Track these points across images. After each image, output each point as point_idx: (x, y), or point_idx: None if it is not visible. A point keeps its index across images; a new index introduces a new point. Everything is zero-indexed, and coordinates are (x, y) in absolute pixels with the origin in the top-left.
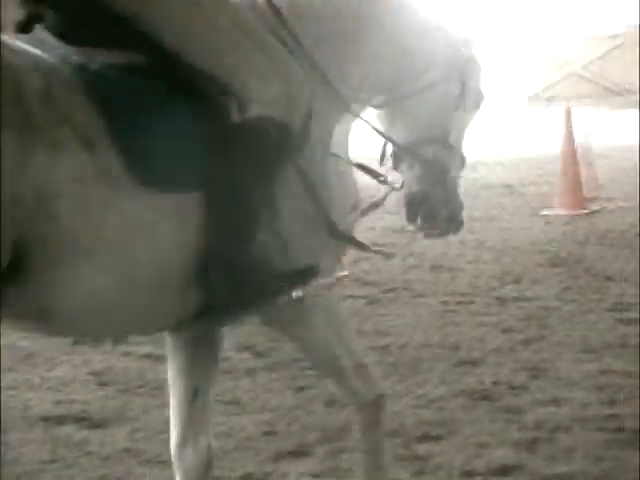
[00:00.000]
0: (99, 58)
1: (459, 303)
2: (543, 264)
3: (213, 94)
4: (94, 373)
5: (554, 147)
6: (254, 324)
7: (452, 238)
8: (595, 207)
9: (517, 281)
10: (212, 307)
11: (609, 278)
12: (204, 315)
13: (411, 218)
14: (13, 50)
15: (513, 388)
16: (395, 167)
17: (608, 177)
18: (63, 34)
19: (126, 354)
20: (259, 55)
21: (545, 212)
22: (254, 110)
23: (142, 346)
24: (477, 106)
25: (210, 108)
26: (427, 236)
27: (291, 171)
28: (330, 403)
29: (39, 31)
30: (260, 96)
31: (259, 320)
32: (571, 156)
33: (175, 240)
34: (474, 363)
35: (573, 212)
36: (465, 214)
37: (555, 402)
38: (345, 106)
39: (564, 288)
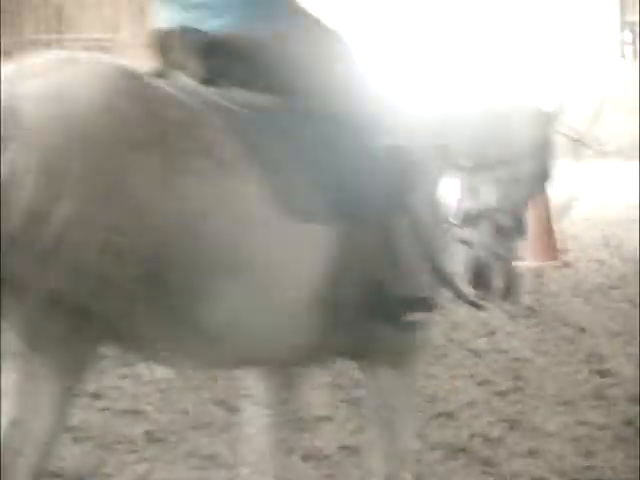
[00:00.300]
0: (241, 98)
1: (434, 356)
2: (516, 316)
3: (346, 129)
4: (70, 428)
5: None
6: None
7: None
8: (568, 258)
9: (491, 333)
10: (340, 327)
11: (583, 329)
12: (330, 339)
13: (474, 282)
14: (160, 87)
15: (489, 440)
16: (463, 229)
17: (580, 228)
18: (206, 80)
19: (102, 409)
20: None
21: (518, 264)
22: (385, 141)
23: (119, 401)
24: (545, 187)
25: (344, 142)
26: (475, 302)
27: (414, 201)
28: (307, 458)
29: (183, 78)
30: (391, 126)
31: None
32: (543, 207)
33: (308, 265)
34: (450, 415)
35: (545, 263)
36: None
37: (532, 454)
38: (452, 161)
39: (538, 340)
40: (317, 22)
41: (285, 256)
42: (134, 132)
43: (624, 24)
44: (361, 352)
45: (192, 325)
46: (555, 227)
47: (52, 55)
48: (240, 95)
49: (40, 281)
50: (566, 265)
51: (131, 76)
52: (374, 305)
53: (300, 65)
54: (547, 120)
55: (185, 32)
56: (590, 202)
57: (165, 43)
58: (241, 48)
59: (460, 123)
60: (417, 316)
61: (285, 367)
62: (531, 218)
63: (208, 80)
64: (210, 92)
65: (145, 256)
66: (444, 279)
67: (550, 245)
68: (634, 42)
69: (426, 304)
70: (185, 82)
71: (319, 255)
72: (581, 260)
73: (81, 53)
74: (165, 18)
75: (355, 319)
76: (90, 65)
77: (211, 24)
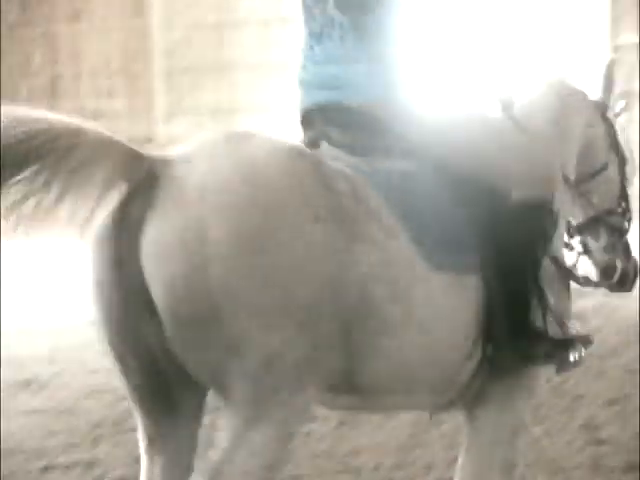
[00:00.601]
0: (383, 165)
1: (431, 424)
2: None
3: (482, 186)
4: None
5: None
6: None
7: None
8: None
9: None
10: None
11: (577, 398)
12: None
13: (609, 285)
14: (326, 162)
15: None
16: (580, 238)
17: (574, 295)
18: (345, 147)
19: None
20: (515, 142)
21: None
22: (519, 193)
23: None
24: (633, 173)
25: (481, 199)
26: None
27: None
28: None
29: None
30: (523, 179)
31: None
32: None
33: (460, 314)
34: None
35: None
36: None
37: None
38: (574, 192)
39: (533, 408)
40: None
41: (442, 307)
42: (317, 206)
43: (615, 48)
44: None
45: (364, 376)
46: None
47: (226, 134)
48: (382, 162)
49: (265, 343)
50: None
51: (304, 154)
52: (518, 348)
53: (433, 131)
54: (606, 111)
55: (328, 107)
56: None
57: (310, 118)
58: (379, 118)
59: (569, 141)
60: (571, 355)
61: (426, 410)
62: None
63: (352, 150)
64: (357, 161)
65: (336, 319)
66: (564, 328)
67: None
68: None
69: (578, 342)
70: (336, 154)
71: (471, 303)
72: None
73: (251, 131)
74: (305, 98)
75: (500, 362)
76: (268, 145)
77: (349, 100)
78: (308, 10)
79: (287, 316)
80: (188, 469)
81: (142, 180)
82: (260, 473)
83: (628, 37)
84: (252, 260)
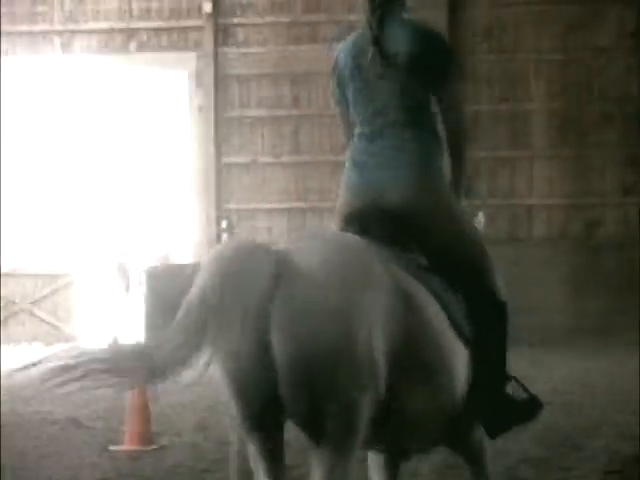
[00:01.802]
0: (408, 260)
1: None
2: None
3: (480, 283)
4: None
5: None
6: None
7: None
8: (163, 442)
9: None
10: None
11: None
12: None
13: None
14: (375, 250)
15: None
16: None
17: (176, 412)
18: (390, 241)
19: None
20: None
21: (113, 448)
22: (500, 289)
23: None
24: None
25: (476, 291)
26: None
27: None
28: None
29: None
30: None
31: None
32: (139, 390)
33: (463, 371)
34: None
35: (141, 447)
36: None
37: None
38: None
39: None
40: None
41: (457, 363)
42: (386, 287)
43: (221, 212)
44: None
45: (401, 421)
46: (151, 411)
47: (326, 233)
48: (406, 253)
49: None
50: (161, 449)
51: (366, 245)
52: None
53: (449, 234)
54: None
55: (369, 207)
56: (187, 387)
57: (353, 215)
58: (403, 219)
59: None
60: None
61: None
62: (127, 402)
63: (389, 241)
64: (387, 251)
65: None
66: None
67: (146, 429)
68: (229, 229)
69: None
70: (377, 245)
71: (465, 366)
72: (176, 444)
73: (328, 229)
74: (352, 198)
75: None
76: (352, 240)
77: (389, 201)
78: (361, 116)
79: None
80: None
81: (273, 270)
82: None
83: None
84: (350, 330)
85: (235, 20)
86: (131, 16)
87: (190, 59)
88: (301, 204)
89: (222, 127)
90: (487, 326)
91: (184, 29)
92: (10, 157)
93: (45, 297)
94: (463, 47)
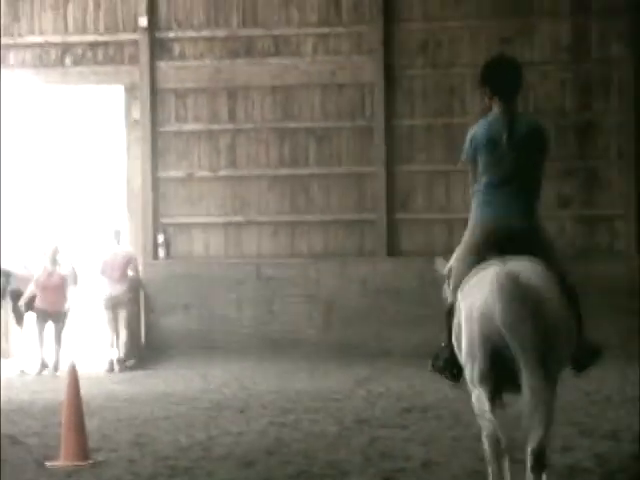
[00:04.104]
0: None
1: None
2: None
3: (565, 269)
4: None
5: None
6: None
7: None
8: (100, 457)
9: None
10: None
11: None
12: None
13: None
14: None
15: None
16: None
17: (113, 427)
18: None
19: None
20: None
21: (50, 463)
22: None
23: None
24: None
25: (565, 273)
26: None
27: None
28: None
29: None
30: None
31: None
32: (75, 406)
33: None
34: None
35: (77, 463)
36: None
37: None
38: None
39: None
40: None
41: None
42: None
43: (159, 226)
44: None
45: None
46: (86, 426)
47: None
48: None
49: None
50: (97, 464)
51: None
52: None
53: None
54: None
55: (503, 230)
56: (125, 403)
57: (493, 236)
58: (527, 242)
59: None
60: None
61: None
62: (62, 417)
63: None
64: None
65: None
66: None
67: (81, 444)
68: (166, 243)
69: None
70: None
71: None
72: (112, 459)
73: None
74: (486, 224)
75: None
76: (540, 269)
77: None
78: (492, 171)
79: None
80: None
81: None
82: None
83: None
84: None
85: (171, 34)
86: (66, 30)
87: (126, 73)
88: (238, 218)
89: (158, 141)
90: (575, 294)
91: (120, 43)
92: None
93: None
94: (398, 61)
